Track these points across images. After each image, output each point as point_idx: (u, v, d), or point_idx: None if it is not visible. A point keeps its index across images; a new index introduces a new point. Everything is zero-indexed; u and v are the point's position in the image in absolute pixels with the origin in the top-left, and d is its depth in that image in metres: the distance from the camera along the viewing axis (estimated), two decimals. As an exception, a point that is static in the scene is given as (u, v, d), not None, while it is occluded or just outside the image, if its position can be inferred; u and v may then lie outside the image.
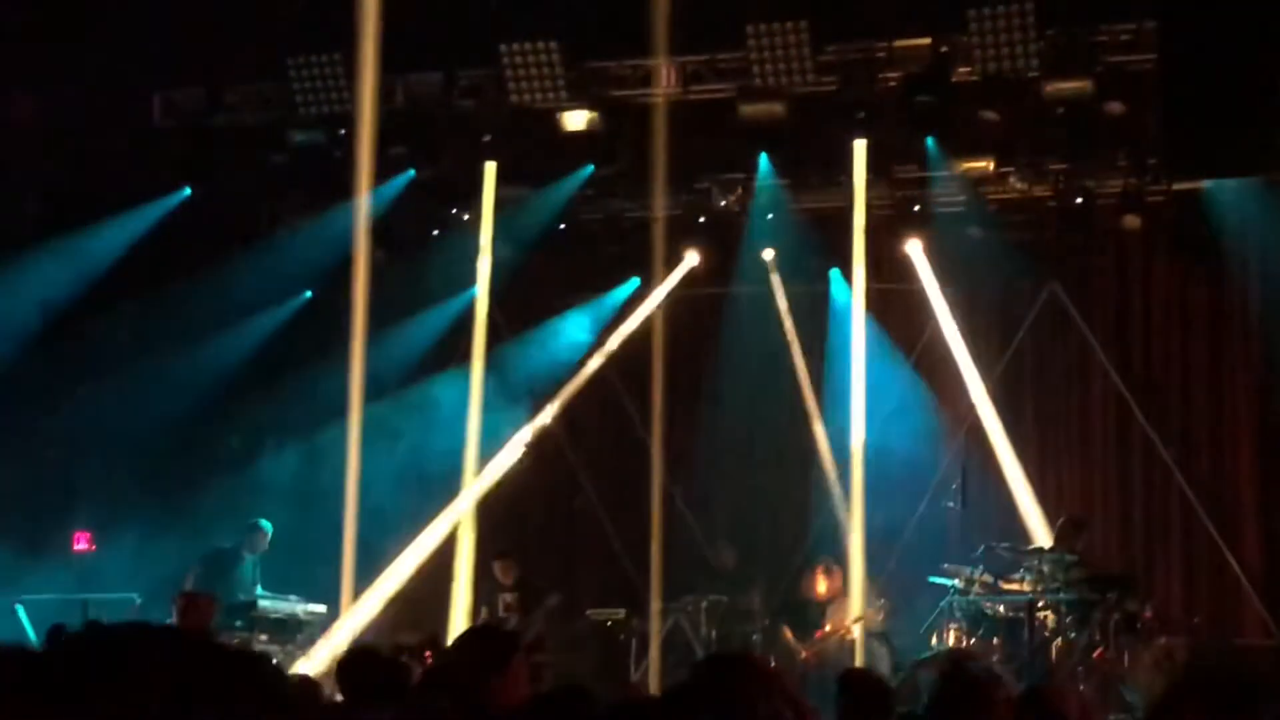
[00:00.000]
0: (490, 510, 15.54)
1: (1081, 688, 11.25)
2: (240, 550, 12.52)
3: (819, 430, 15.01)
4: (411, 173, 15.06)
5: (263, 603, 12.47)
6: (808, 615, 13.30)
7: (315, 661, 12.55)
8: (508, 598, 13.25)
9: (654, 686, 12.36)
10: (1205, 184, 13.72)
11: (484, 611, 13.22)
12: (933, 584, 13.02)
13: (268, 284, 15.45)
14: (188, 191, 15.00)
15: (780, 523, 15.32)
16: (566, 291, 16.18)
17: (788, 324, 15.35)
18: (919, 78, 13.62)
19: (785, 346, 15.42)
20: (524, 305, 16.21)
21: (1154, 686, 10.80)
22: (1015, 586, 12.51)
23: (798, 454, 15.31)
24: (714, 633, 13.37)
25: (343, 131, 14.58)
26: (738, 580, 13.78)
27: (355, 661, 6.30)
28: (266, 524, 12.71)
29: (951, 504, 13.40)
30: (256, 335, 15.61)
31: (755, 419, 15.66)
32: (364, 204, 13.20)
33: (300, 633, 12.68)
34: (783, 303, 15.42)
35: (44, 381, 14.40)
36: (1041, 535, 13.55)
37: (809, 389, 15.18)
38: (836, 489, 14.57)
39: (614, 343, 15.73)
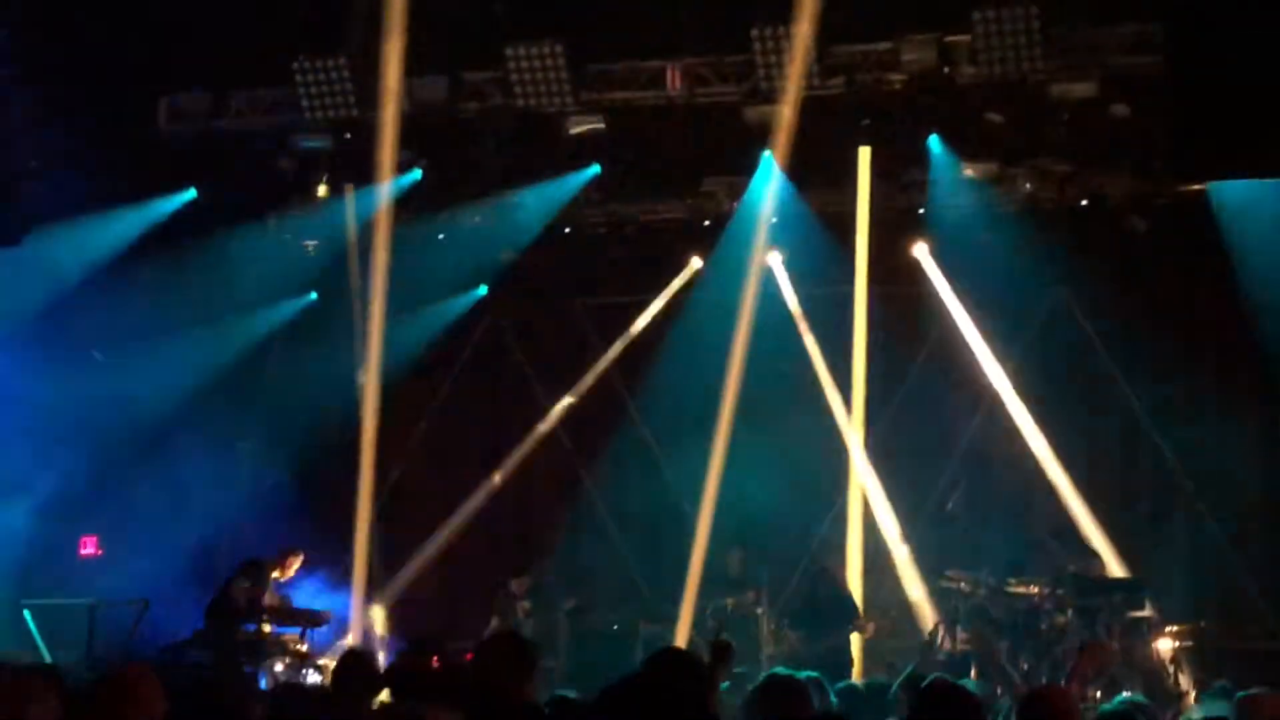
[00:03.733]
0: (498, 516, 15.65)
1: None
2: (273, 565, 12.58)
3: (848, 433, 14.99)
4: (417, 174, 15.12)
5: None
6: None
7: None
8: (525, 604, 13.33)
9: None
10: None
11: (497, 620, 13.29)
12: (940, 587, 13.02)
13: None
14: (193, 193, 15.04)
15: (787, 527, 15.32)
16: (570, 294, 16.24)
17: (799, 327, 15.34)
18: (924, 80, 13.62)
19: (791, 349, 15.41)
20: (526, 306, 16.30)
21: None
22: (1020, 590, 12.50)
23: (804, 457, 15.31)
24: (722, 637, 13.33)
25: (348, 135, 14.62)
26: (744, 585, 13.76)
27: (352, 662, 6.34)
28: (302, 550, 12.81)
29: (950, 505, 13.37)
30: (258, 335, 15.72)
31: (762, 422, 15.66)
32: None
33: (309, 636, 12.73)
34: (793, 306, 15.42)
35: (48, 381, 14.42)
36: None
37: (830, 391, 15.15)
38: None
39: (619, 347, 15.80)
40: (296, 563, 12.63)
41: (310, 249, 15.74)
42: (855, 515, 14.67)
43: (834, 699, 6.45)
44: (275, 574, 12.54)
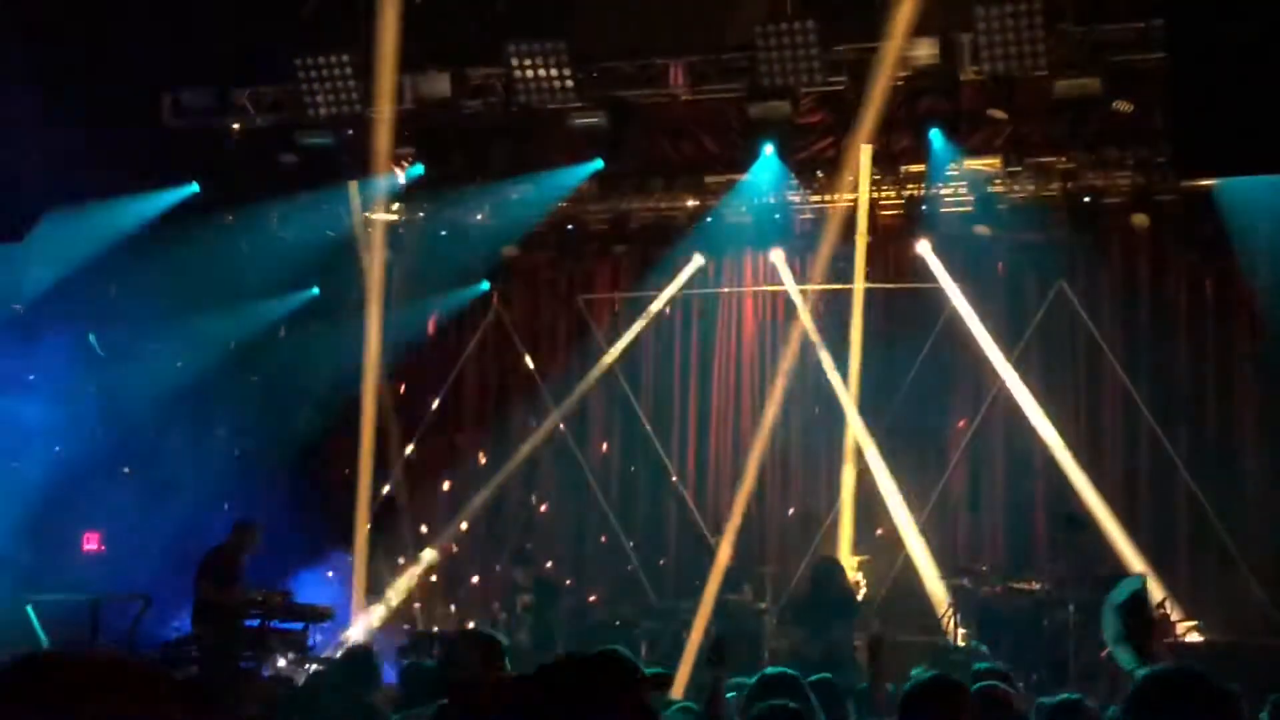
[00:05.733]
0: (502, 511, 15.67)
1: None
2: (234, 548, 12.57)
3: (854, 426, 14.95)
4: (419, 169, 15.13)
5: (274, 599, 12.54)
6: None
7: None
8: (525, 598, 13.31)
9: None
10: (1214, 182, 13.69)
11: (500, 611, 13.30)
12: (943, 583, 13.02)
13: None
14: (195, 188, 15.05)
15: (789, 519, 15.34)
16: (572, 290, 16.26)
17: (805, 323, 15.31)
18: (928, 77, 13.60)
19: (794, 345, 15.41)
20: (529, 303, 16.34)
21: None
22: (1025, 586, 12.50)
23: (805, 452, 15.33)
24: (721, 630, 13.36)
25: (351, 132, 14.63)
26: (740, 577, 13.75)
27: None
28: (259, 522, 12.79)
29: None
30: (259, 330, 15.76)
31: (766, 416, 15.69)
32: None
33: (313, 630, 12.74)
34: (798, 301, 15.42)
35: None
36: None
37: (840, 386, 15.13)
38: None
39: (624, 342, 15.81)
40: (256, 535, 12.60)
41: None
42: (848, 509, 14.69)
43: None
44: (238, 553, 12.52)
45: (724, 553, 13.83)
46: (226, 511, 13.90)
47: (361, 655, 6.83)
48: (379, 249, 15.21)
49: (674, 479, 15.66)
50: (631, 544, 15.59)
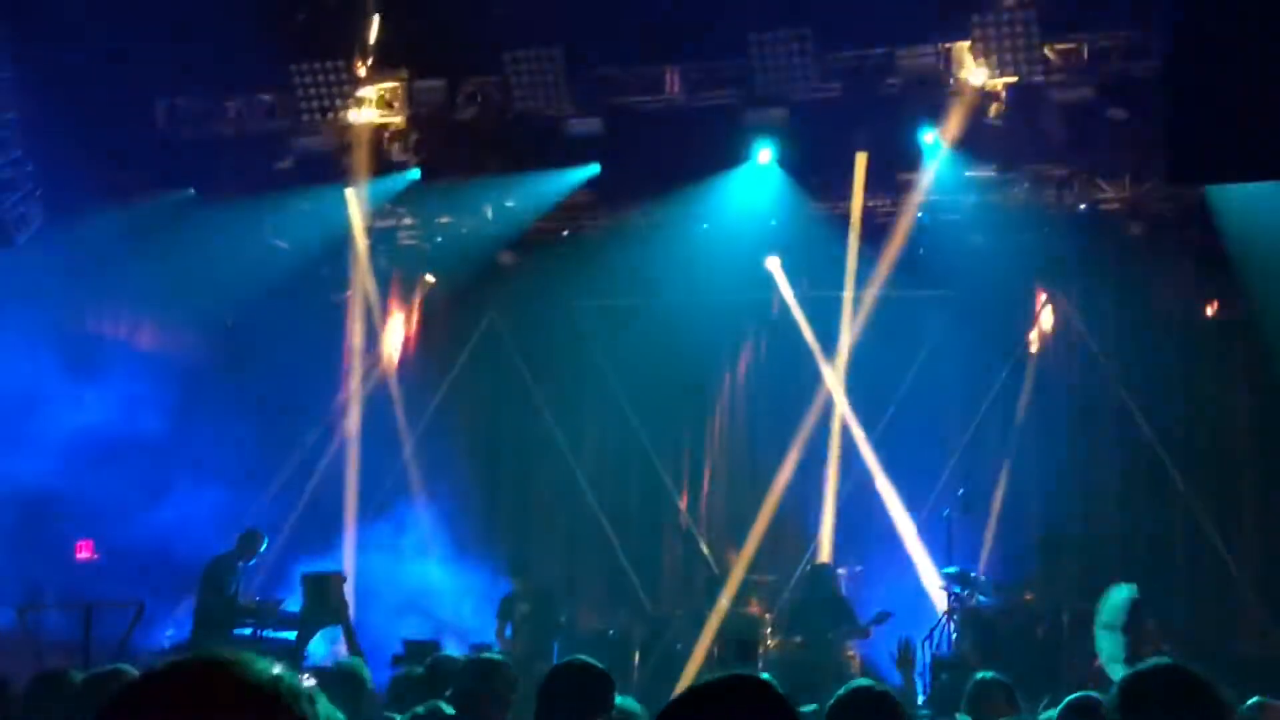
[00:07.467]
0: (500, 519, 15.66)
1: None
2: (235, 556, 12.57)
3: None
4: (416, 174, 15.12)
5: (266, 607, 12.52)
6: None
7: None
8: (524, 607, 13.30)
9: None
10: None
11: (499, 622, 13.29)
12: (936, 590, 13.00)
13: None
14: (191, 192, 15.05)
15: (785, 531, 15.32)
16: (568, 296, 16.23)
17: (803, 330, 15.33)
18: (922, 84, 13.59)
19: (793, 352, 15.42)
20: (525, 309, 16.33)
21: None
22: (1017, 594, 12.49)
23: (804, 461, 15.31)
24: (717, 640, 13.35)
25: (346, 139, 14.62)
26: (742, 588, 13.74)
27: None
28: (262, 532, 12.78)
29: (949, 512, 13.36)
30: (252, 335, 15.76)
31: (761, 425, 15.68)
32: None
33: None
34: (794, 309, 15.41)
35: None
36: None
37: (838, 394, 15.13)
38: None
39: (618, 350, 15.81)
40: (259, 545, 12.59)
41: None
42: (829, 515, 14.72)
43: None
44: (240, 562, 12.51)
45: (737, 565, 13.85)
46: (223, 518, 13.89)
47: (349, 669, 6.82)
48: None
49: (670, 487, 15.64)
50: (626, 554, 15.57)
